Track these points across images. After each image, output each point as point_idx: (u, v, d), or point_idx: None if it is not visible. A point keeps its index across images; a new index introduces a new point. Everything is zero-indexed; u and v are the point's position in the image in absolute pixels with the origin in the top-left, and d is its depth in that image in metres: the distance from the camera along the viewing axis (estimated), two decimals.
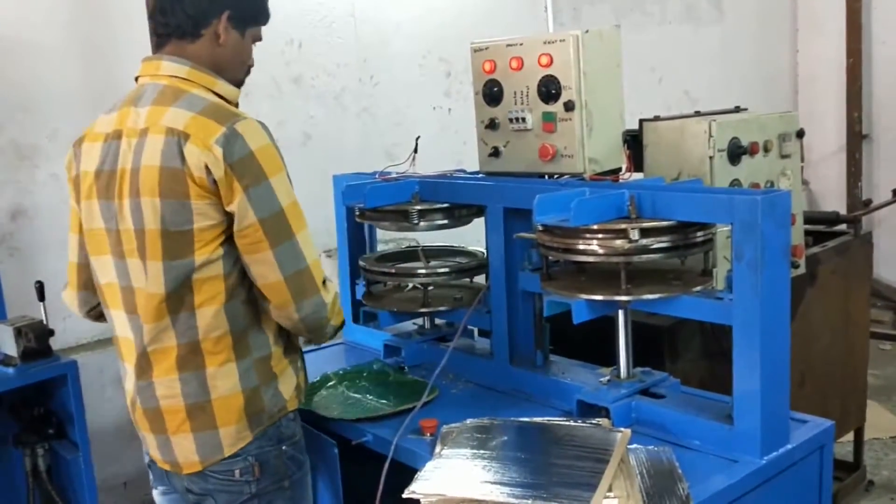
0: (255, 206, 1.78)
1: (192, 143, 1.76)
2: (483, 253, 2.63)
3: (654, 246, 1.96)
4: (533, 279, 2.28)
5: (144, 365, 1.89)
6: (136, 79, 1.95)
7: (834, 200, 6.73)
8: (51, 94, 3.42)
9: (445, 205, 2.51)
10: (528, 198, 2.03)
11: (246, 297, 1.87)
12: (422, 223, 2.49)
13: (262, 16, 2.01)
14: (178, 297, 1.81)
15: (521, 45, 2.36)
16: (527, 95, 2.36)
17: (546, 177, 2.43)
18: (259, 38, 2.03)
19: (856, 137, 6.69)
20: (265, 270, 1.81)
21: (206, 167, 1.75)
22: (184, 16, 1.88)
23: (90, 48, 3.50)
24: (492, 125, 2.46)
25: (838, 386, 3.58)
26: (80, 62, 3.48)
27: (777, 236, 1.85)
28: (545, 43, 2.30)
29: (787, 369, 1.94)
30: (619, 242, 1.96)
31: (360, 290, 2.76)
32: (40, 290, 2.97)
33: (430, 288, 2.69)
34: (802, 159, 2.75)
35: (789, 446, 1.95)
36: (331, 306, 1.90)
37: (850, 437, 3.87)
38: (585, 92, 2.27)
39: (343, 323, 1.99)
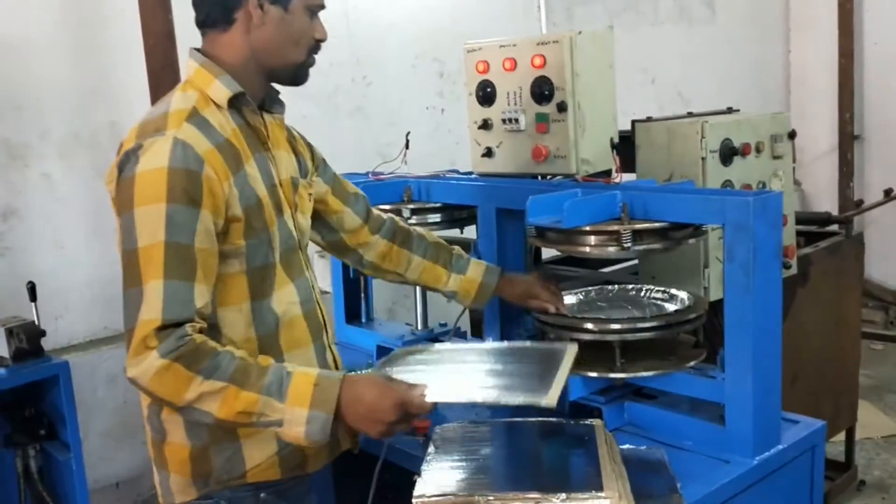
0: (122, 235, 1.61)
1: (116, 158, 1.66)
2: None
3: (647, 324, 2.00)
4: None
5: None
6: None
7: (826, 201, 6.75)
8: (42, 92, 3.40)
9: (438, 204, 2.51)
10: (521, 198, 2.03)
11: None
12: (413, 218, 2.50)
13: None
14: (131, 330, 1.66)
15: (515, 45, 2.36)
16: (520, 96, 2.36)
17: (539, 177, 2.43)
18: (318, 7, 1.79)
19: (848, 138, 6.71)
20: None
21: None
22: (211, 3, 1.72)
23: (82, 47, 3.48)
24: (485, 126, 2.46)
25: (830, 386, 3.59)
26: (73, 61, 3.46)
27: (769, 237, 1.85)
28: (538, 44, 2.30)
29: (778, 370, 1.94)
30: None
31: None
32: (32, 290, 2.96)
33: None
34: (794, 160, 2.76)
35: (781, 447, 1.95)
36: (148, 381, 1.54)
37: (841, 436, 3.88)
38: (578, 93, 2.27)
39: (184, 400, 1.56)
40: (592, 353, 2.11)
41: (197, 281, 1.58)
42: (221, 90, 1.72)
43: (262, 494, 1.75)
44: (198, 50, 1.78)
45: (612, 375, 2.04)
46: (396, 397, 1.62)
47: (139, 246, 1.56)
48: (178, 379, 1.54)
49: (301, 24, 1.76)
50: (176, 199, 1.56)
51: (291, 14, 1.74)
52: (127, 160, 1.60)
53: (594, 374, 2.05)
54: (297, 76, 1.82)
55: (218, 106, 1.72)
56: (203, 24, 1.76)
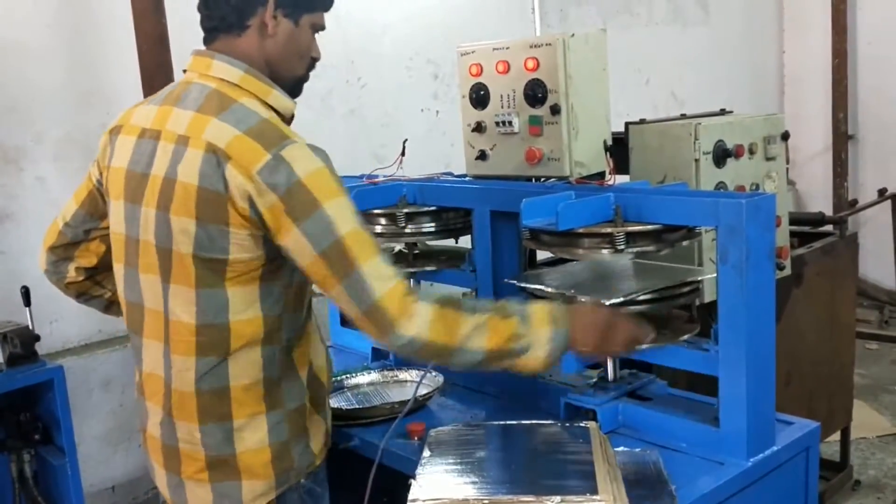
0: (311, 239, 1.59)
1: (233, 166, 1.59)
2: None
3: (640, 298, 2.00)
4: None
5: (168, 400, 1.73)
6: (184, 71, 1.79)
7: (820, 201, 6.77)
8: (36, 95, 3.40)
9: (433, 207, 2.51)
10: (515, 201, 2.03)
11: (285, 342, 1.73)
12: (409, 226, 2.50)
13: (317, 1, 1.82)
14: (211, 334, 1.66)
15: (508, 48, 2.36)
16: (513, 99, 2.36)
17: (533, 180, 2.43)
18: (320, 28, 1.85)
19: (841, 138, 6.73)
20: (344, 307, 1.64)
21: (250, 198, 1.58)
22: (227, 7, 1.72)
23: (76, 49, 3.48)
24: (478, 128, 2.46)
25: (825, 386, 3.60)
26: (66, 63, 3.46)
27: (762, 239, 1.86)
28: (531, 47, 2.30)
29: (772, 371, 1.95)
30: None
31: None
32: (26, 294, 2.96)
33: (416, 251, 2.67)
34: (788, 161, 2.76)
35: (775, 448, 1.96)
36: (427, 330, 1.61)
37: (836, 436, 3.89)
38: (572, 95, 2.27)
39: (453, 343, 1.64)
40: None
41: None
42: (286, 104, 1.77)
43: (301, 480, 1.79)
44: (213, 51, 1.76)
45: None
46: (610, 311, 1.84)
47: (343, 234, 1.60)
48: (452, 320, 1.63)
49: (306, 39, 1.82)
50: (345, 192, 1.65)
51: (300, 29, 1.79)
52: (272, 174, 1.58)
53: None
54: (294, 90, 1.85)
55: (281, 117, 1.74)
56: (215, 27, 1.75)
